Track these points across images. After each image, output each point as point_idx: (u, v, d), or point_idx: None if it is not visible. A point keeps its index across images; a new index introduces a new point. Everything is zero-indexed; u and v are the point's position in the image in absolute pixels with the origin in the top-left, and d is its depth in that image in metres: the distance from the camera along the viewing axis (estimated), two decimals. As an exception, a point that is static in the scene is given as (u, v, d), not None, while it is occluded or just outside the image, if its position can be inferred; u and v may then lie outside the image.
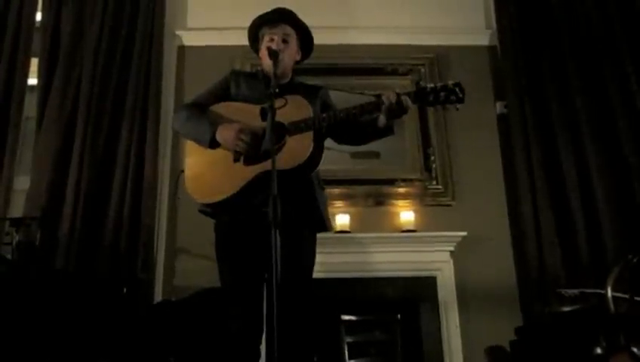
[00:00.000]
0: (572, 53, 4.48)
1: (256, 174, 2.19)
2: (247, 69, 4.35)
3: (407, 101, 2.19)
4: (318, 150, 2.22)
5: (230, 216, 2.30)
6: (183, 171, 2.41)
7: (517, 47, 4.57)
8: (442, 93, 2.17)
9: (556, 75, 4.45)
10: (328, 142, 2.41)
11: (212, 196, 2.27)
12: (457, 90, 2.17)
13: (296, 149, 2.16)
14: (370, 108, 2.23)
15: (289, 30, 2.49)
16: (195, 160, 2.36)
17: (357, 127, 2.42)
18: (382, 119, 2.28)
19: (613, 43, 4.43)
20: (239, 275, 2.24)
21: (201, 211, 2.34)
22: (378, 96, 2.22)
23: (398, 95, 2.17)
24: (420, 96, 2.20)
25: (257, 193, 2.16)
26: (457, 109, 2.20)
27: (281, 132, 2.17)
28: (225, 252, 2.32)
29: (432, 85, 2.21)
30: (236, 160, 2.25)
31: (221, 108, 2.40)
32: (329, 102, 2.53)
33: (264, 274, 2.20)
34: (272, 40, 2.45)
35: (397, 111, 2.20)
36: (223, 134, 2.26)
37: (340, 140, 2.52)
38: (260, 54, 2.53)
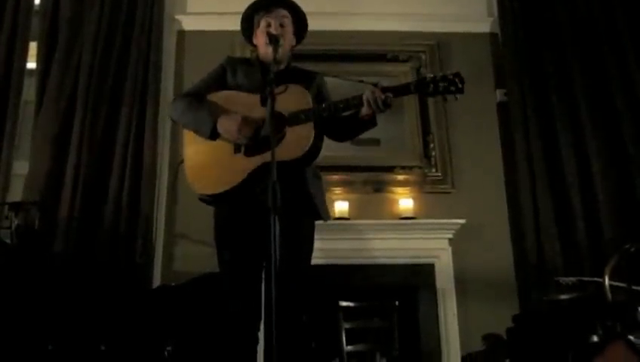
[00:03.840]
0: (573, 41, 4.46)
1: (257, 165, 2.18)
2: (247, 54, 4.32)
3: (390, 98, 2.14)
4: (318, 141, 2.22)
5: (230, 204, 2.30)
6: (182, 161, 2.40)
7: (518, 35, 4.55)
8: (442, 84, 2.13)
9: (557, 63, 4.44)
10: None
11: (213, 188, 2.27)
12: (457, 80, 2.12)
13: (296, 141, 2.14)
14: (355, 101, 2.19)
15: (285, 13, 2.46)
16: (195, 150, 2.35)
17: (342, 121, 2.37)
18: (365, 110, 2.20)
19: (615, 31, 4.41)
20: (238, 262, 2.25)
21: (201, 199, 2.34)
22: (375, 85, 2.19)
23: (386, 94, 2.13)
24: (420, 87, 2.17)
25: (258, 183, 2.16)
26: (456, 99, 2.17)
27: (280, 122, 2.16)
28: (224, 239, 2.32)
29: (431, 75, 2.18)
30: (237, 150, 2.25)
31: (219, 97, 2.39)
32: (323, 91, 2.50)
33: (263, 261, 2.21)
34: (269, 25, 2.42)
35: (381, 106, 2.15)
36: (225, 125, 2.25)
37: (328, 133, 2.45)
38: (255, 40, 2.52)
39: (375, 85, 2.17)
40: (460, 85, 2.12)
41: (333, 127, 2.39)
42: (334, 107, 2.20)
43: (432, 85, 2.14)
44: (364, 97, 2.15)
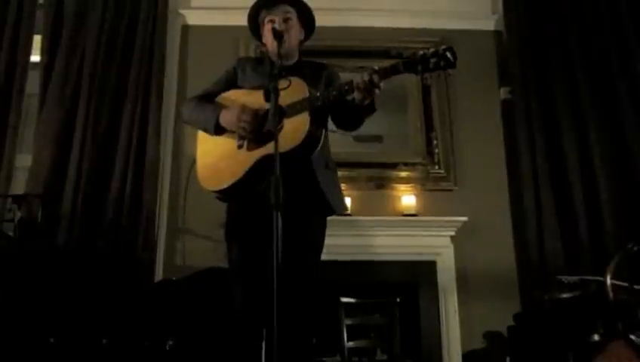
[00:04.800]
0: (578, 39, 4.44)
1: (257, 159, 2.19)
2: (251, 49, 4.33)
3: (375, 79, 2.10)
4: (316, 130, 2.20)
5: (239, 200, 2.32)
6: (195, 161, 2.44)
7: (522, 33, 4.53)
8: (432, 60, 2.04)
9: (561, 61, 4.42)
10: (331, 126, 2.39)
11: (218, 184, 2.29)
12: (448, 54, 2.02)
13: (292, 132, 2.15)
14: (347, 87, 2.17)
15: (288, 9, 2.47)
16: (205, 149, 2.40)
17: (345, 108, 2.34)
18: (357, 95, 2.17)
19: (620, 29, 4.39)
20: (245, 258, 2.26)
21: (217, 197, 2.37)
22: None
23: (371, 74, 2.11)
24: (409, 66, 2.09)
25: (261, 178, 2.16)
26: (450, 75, 2.12)
27: (279, 114, 2.16)
28: (233, 235, 2.35)
29: (421, 53, 2.08)
30: (240, 146, 2.26)
31: (226, 96, 2.42)
32: (334, 83, 2.47)
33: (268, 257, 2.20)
34: (272, 21, 2.43)
35: (368, 88, 2.12)
36: (226, 117, 2.29)
37: (337, 123, 2.45)
38: (264, 39, 2.53)
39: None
40: (452, 60, 2.02)
41: (335, 115, 2.39)
42: (327, 95, 2.19)
43: (421, 63, 2.06)
44: (354, 82, 2.14)
